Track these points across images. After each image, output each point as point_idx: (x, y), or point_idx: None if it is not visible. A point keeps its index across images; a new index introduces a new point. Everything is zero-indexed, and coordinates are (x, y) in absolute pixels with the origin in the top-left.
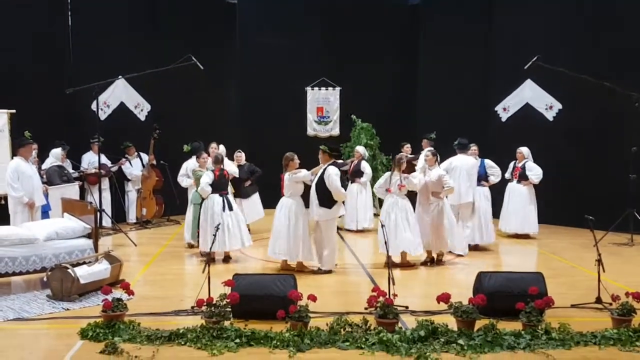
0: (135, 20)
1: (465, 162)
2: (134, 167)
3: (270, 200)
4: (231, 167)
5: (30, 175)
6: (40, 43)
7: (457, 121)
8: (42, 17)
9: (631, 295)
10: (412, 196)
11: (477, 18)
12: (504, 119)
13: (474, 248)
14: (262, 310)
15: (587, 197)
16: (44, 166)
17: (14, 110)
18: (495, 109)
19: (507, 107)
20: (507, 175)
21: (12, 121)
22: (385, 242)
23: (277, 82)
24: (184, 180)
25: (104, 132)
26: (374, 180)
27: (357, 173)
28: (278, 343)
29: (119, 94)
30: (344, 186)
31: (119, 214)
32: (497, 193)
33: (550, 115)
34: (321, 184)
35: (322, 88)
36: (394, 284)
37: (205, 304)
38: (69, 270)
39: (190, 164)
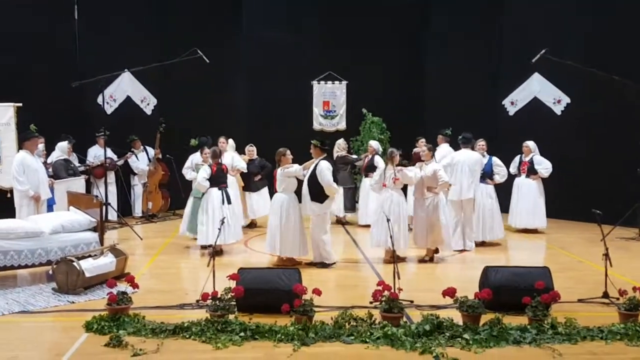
0: (142, 13)
1: (468, 158)
2: (140, 160)
3: None
4: (240, 162)
5: (36, 169)
6: (46, 36)
7: (464, 115)
8: (48, 10)
9: (638, 290)
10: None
11: (485, 11)
12: (511, 113)
13: (480, 244)
14: (266, 304)
15: (595, 191)
16: (50, 160)
17: (20, 104)
18: (503, 102)
19: (515, 101)
20: (513, 169)
21: (19, 114)
22: (391, 237)
23: (283, 75)
24: (188, 172)
25: (110, 125)
26: None
27: (371, 168)
28: (282, 337)
29: (125, 88)
30: (336, 180)
31: (125, 208)
32: (504, 188)
33: (558, 109)
34: (313, 179)
35: (328, 82)
36: (399, 278)
37: (210, 297)
38: (75, 264)
39: (196, 157)
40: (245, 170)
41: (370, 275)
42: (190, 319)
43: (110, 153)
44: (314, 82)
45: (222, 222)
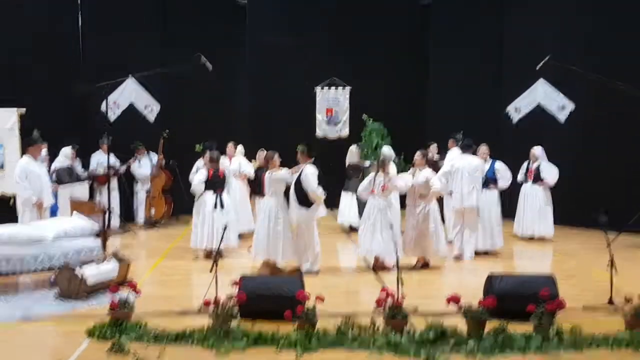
0: (146, 20)
1: (467, 164)
2: (143, 166)
3: None
4: (247, 168)
5: (39, 175)
6: (50, 42)
7: (468, 121)
8: (53, 16)
9: None
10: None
11: (489, 17)
12: (515, 120)
13: (483, 253)
14: (269, 310)
15: (601, 198)
16: (54, 165)
17: (24, 109)
18: (507, 109)
19: (519, 108)
20: (520, 177)
21: (22, 120)
22: (395, 243)
23: (286, 82)
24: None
25: (113, 132)
26: None
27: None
28: (285, 344)
29: (129, 94)
30: (323, 186)
31: (127, 214)
32: (511, 195)
33: (562, 116)
34: (299, 184)
35: (331, 88)
36: (402, 284)
37: (212, 304)
38: (77, 270)
39: (201, 163)
40: (252, 176)
41: (373, 281)
42: (192, 326)
43: (113, 159)
44: (317, 88)
45: (225, 228)
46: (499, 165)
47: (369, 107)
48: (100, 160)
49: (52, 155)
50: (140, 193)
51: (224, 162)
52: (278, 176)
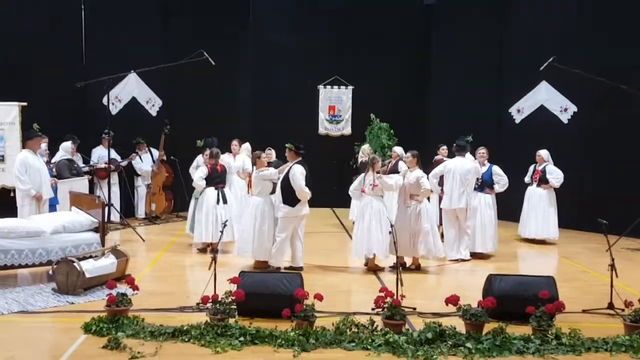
0: (148, 15)
1: (460, 166)
2: (144, 162)
3: None
4: (250, 166)
5: (38, 168)
6: (52, 36)
7: (470, 122)
8: (54, 11)
9: None
10: None
11: (493, 18)
12: (517, 121)
13: (479, 256)
14: (267, 308)
15: (603, 201)
16: (54, 159)
17: (25, 103)
18: (510, 110)
19: (522, 109)
20: (527, 179)
21: (23, 114)
22: (395, 243)
23: (289, 79)
24: (193, 172)
25: (114, 126)
26: None
27: (394, 173)
28: (283, 342)
29: (131, 89)
30: (308, 185)
31: (128, 209)
32: (516, 197)
33: (565, 118)
34: (286, 182)
35: (334, 86)
36: (402, 285)
37: (210, 300)
38: (75, 264)
39: (202, 159)
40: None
41: (372, 281)
42: (189, 322)
43: (114, 154)
44: (320, 87)
45: (225, 224)
46: (497, 170)
47: (372, 107)
48: (101, 154)
49: (53, 149)
50: (141, 188)
51: (228, 159)
52: (265, 175)
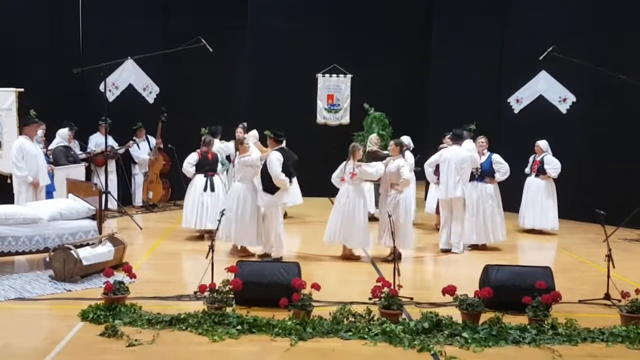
0: (146, 1)
1: (455, 155)
2: (142, 150)
3: None
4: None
5: (35, 155)
6: (50, 23)
7: (469, 112)
8: None
9: None
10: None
11: (493, 7)
12: (516, 111)
13: (481, 248)
14: (265, 297)
15: (601, 191)
16: (51, 146)
17: (22, 89)
18: (508, 100)
19: (521, 99)
20: (527, 169)
21: (20, 100)
22: (392, 233)
23: (287, 67)
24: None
25: (112, 113)
26: None
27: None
28: (280, 331)
29: (128, 76)
30: (288, 173)
31: (125, 197)
32: (516, 188)
33: (563, 108)
34: (266, 169)
35: (333, 75)
36: (399, 274)
37: (207, 289)
38: (72, 251)
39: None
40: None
41: (370, 271)
42: (187, 311)
43: (111, 141)
44: (319, 75)
45: (222, 213)
46: (497, 158)
47: (370, 96)
48: (98, 141)
49: (50, 136)
50: (138, 176)
51: (230, 146)
52: (246, 161)
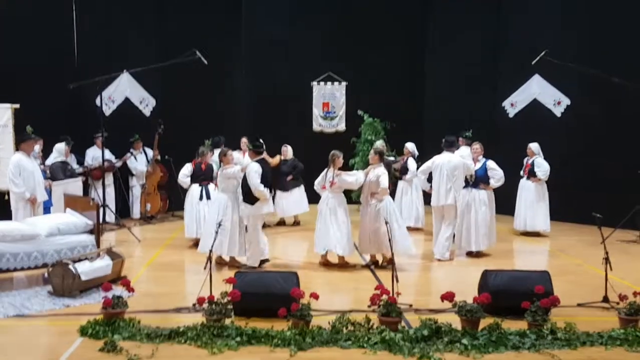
0: (141, 14)
1: (447, 162)
2: (139, 162)
3: None
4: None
5: (32, 171)
6: (44, 37)
7: (464, 117)
8: (46, 11)
9: (639, 295)
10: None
11: (485, 13)
12: (511, 115)
13: (476, 255)
14: (263, 308)
15: (597, 193)
16: (48, 161)
17: (17, 105)
18: (503, 104)
19: (515, 103)
20: (522, 172)
21: (16, 116)
22: (390, 240)
23: (282, 76)
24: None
25: (108, 127)
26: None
27: (406, 170)
28: (279, 342)
29: (124, 89)
30: (267, 184)
31: (123, 210)
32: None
33: (558, 111)
34: (245, 181)
35: (327, 83)
36: (397, 281)
37: (206, 301)
38: (70, 267)
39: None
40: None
41: (368, 278)
42: (186, 324)
43: (108, 154)
44: (314, 83)
45: (219, 225)
46: (491, 164)
47: (365, 103)
48: (95, 155)
49: (47, 151)
50: (136, 188)
51: (238, 156)
52: (228, 173)
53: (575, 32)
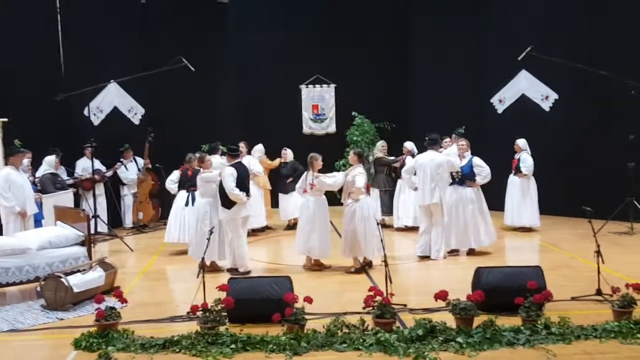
0: (127, 23)
1: (430, 160)
2: (130, 171)
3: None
4: (256, 166)
5: (21, 184)
6: (30, 49)
7: (452, 114)
8: (32, 22)
9: (631, 287)
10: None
11: (471, 10)
12: (500, 111)
13: (469, 252)
14: (257, 313)
15: (587, 186)
16: (38, 174)
17: (5, 119)
18: (491, 100)
19: (503, 99)
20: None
21: (5, 129)
22: (382, 240)
23: (271, 80)
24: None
25: (98, 137)
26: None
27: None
28: (274, 347)
29: (112, 99)
30: (244, 188)
31: (115, 219)
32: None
33: (546, 106)
34: (221, 185)
35: (316, 85)
36: (391, 282)
37: (200, 309)
38: (63, 279)
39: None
40: (261, 174)
41: (362, 280)
42: (180, 332)
43: (98, 164)
44: (303, 86)
45: (211, 232)
46: (477, 161)
47: (354, 104)
48: (85, 166)
49: (37, 163)
50: (127, 197)
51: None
52: (206, 177)
53: (560, 26)
